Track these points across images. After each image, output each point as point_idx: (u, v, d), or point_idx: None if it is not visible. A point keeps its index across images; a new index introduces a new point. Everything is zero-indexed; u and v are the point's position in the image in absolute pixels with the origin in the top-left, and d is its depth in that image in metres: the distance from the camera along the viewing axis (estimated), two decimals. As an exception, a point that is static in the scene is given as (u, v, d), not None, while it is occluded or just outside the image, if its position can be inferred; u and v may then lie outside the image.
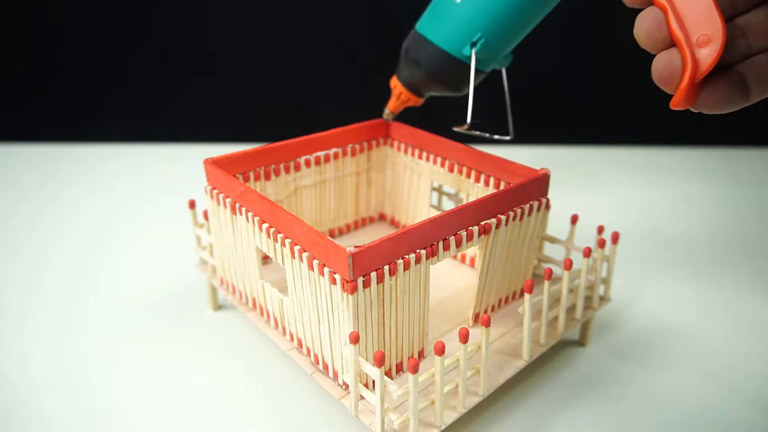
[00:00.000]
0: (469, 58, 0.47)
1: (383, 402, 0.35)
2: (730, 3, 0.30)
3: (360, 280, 0.35)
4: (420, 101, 0.55)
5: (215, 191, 0.47)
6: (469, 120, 0.49)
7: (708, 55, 0.28)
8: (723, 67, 0.29)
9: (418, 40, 0.50)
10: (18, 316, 0.55)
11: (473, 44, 0.47)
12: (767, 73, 0.30)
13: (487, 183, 0.51)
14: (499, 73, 0.53)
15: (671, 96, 0.30)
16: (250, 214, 0.43)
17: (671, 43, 0.29)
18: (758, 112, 0.94)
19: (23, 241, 0.69)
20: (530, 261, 0.49)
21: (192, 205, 0.54)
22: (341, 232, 0.62)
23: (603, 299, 0.50)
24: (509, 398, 0.45)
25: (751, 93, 0.30)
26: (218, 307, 0.57)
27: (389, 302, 0.38)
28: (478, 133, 0.51)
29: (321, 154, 0.56)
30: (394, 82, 0.55)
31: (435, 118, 1.04)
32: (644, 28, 0.30)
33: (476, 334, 0.45)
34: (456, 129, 0.51)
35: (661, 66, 0.29)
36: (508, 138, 0.52)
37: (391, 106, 0.56)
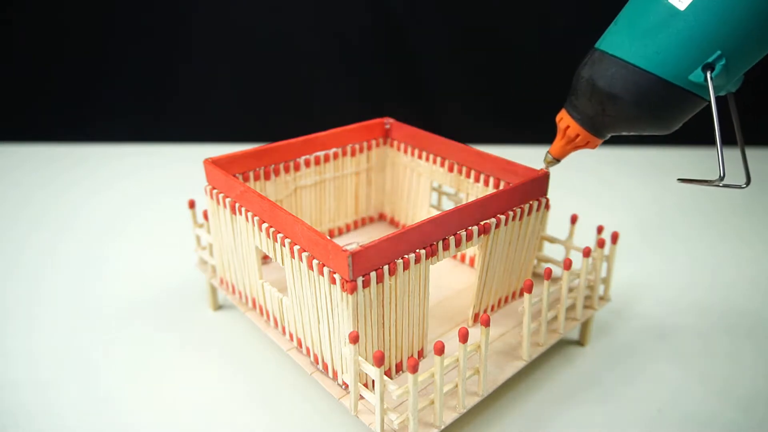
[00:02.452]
0: (699, 86, 0.35)
1: (383, 402, 0.35)
2: None
3: (360, 279, 0.35)
4: (597, 144, 0.43)
5: (215, 191, 0.47)
6: (721, 172, 0.37)
7: None
8: None
9: (611, 66, 0.37)
10: (19, 317, 0.55)
11: (707, 67, 0.34)
12: None
13: (486, 183, 0.51)
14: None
15: None
16: (249, 214, 0.43)
17: None
18: (758, 112, 0.94)
19: (23, 242, 0.69)
20: (530, 261, 0.49)
21: (192, 205, 0.54)
22: (341, 232, 0.62)
23: (603, 299, 0.50)
24: (509, 398, 0.45)
25: None
26: (218, 307, 0.57)
27: (389, 302, 0.38)
28: (706, 183, 0.40)
29: (321, 154, 0.56)
30: (567, 121, 0.42)
31: (435, 118, 1.04)
32: None
33: (476, 333, 0.45)
34: (681, 179, 0.41)
35: None
36: (743, 185, 0.40)
37: (557, 151, 0.44)
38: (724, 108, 0.38)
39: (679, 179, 0.41)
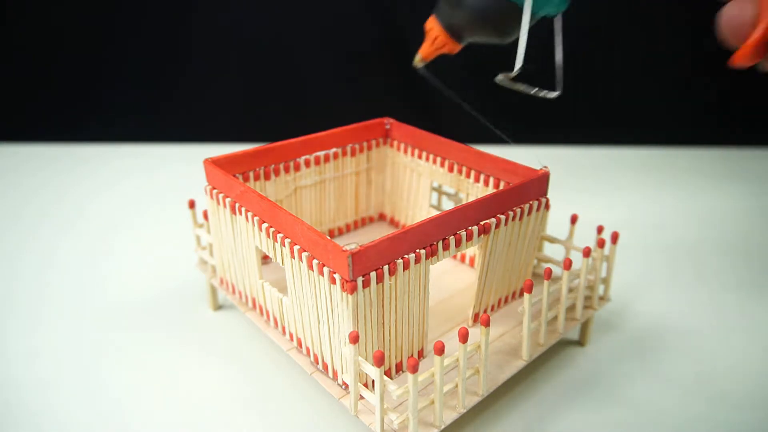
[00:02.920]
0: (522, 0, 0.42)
1: (383, 402, 0.35)
2: None
3: (360, 279, 0.35)
4: (457, 48, 0.49)
5: (215, 191, 0.47)
6: (517, 66, 0.43)
7: None
8: None
9: None
10: (19, 316, 0.55)
11: None
12: None
13: (486, 183, 0.51)
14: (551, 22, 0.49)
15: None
16: (249, 214, 0.43)
17: None
18: (758, 112, 0.94)
19: (23, 242, 0.69)
20: (530, 261, 0.49)
21: (192, 205, 0.54)
22: (341, 232, 0.62)
23: (603, 299, 0.50)
24: (509, 398, 0.45)
25: None
26: (218, 307, 0.57)
27: (389, 302, 0.38)
28: (522, 87, 0.46)
29: (321, 153, 0.56)
30: (431, 23, 0.49)
31: (435, 118, 1.04)
32: None
33: (476, 333, 0.45)
34: (499, 80, 0.46)
35: (730, 16, 0.26)
36: (555, 94, 0.46)
37: (425, 52, 0.50)
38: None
39: (496, 79, 0.47)
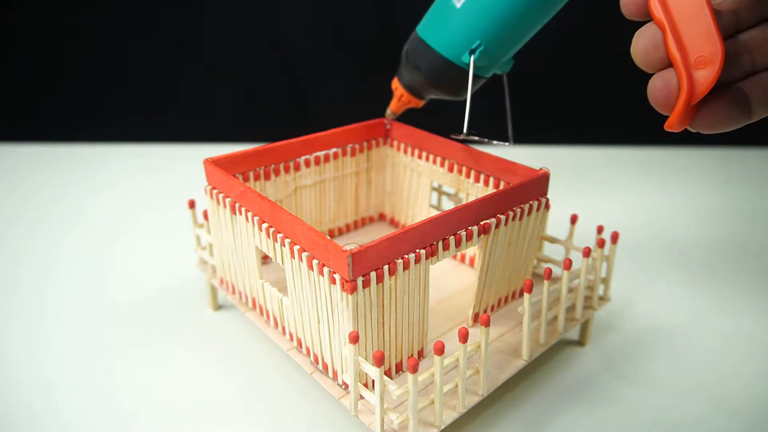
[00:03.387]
0: (468, 65, 0.47)
1: (383, 402, 0.35)
2: (734, 18, 0.28)
3: (360, 279, 0.35)
4: (421, 103, 0.55)
5: (215, 191, 0.47)
6: (465, 128, 0.49)
7: (705, 77, 0.27)
8: (724, 84, 0.28)
9: (418, 44, 0.49)
10: (19, 316, 0.55)
11: (472, 51, 0.46)
12: None
13: (486, 183, 0.51)
14: (501, 76, 0.53)
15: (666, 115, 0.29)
16: (249, 214, 0.43)
17: (668, 63, 0.28)
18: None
19: (23, 242, 0.69)
20: (530, 261, 0.49)
21: (192, 205, 0.54)
22: (341, 232, 0.62)
23: (602, 299, 0.50)
24: (509, 398, 0.45)
25: (754, 111, 0.29)
26: (218, 307, 0.57)
27: (389, 302, 0.38)
28: (476, 138, 0.50)
29: (321, 154, 0.56)
30: (396, 84, 0.55)
31: (435, 118, 1.04)
32: (641, 47, 0.28)
33: (476, 333, 0.45)
34: (453, 137, 0.51)
35: (657, 87, 0.28)
36: (507, 144, 0.52)
37: (393, 107, 0.56)
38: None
39: (452, 135, 0.52)
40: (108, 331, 0.53)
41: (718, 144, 1.02)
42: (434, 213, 0.52)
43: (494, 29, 0.45)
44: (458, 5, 0.46)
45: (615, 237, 0.49)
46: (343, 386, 0.40)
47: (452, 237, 0.40)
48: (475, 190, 0.52)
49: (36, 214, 0.76)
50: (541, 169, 0.46)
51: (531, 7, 0.44)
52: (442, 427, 0.37)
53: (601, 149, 1.03)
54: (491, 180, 0.51)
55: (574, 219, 0.53)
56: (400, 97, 0.55)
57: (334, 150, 0.57)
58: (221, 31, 0.99)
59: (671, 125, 0.28)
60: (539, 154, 1.00)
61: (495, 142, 0.52)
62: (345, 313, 0.36)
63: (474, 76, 0.48)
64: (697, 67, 0.27)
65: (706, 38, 0.27)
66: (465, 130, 0.49)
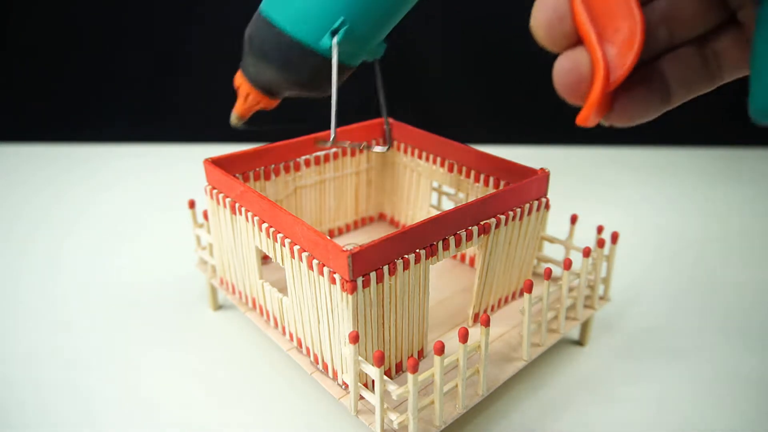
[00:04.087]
0: (330, 50, 0.37)
1: (383, 402, 0.35)
2: None
3: (359, 280, 0.35)
4: (273, 104, 0.44)
5: (215, 191, 0.47)
6: (333, 134, 0.39)
7: (622, 56, 0.22)
8: (638, 66, 0.23)
9: (263, 26, 0.38)
10: (19, 316, 0.55)
11: (333, 32, 0.36)
12: (695, 69, 0.24)
13: (486, 183, 0.51)
14: (371, 63, 0.43)
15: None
16: (249, 214, 0.43)
17: (577, 39, 0.22)
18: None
19: (23, 242, 0.69)
20: (530, 261, 0.49)
21: (192, 205, 0.54)
22: (341, 232, 0.62)
23: (603, 299, 0.50)
24: (509, 398, 0.45)
25: (673, 95, 0.24)
26: (218, 307, 0.57)
27: (389, 302, 0.38)
28: (348, 144, 0.44)
29: (321, 154, 0.56)
30: (239, 80, 0.43)
31: (435, 118, 1.04)
32: (543, 19, 0.22)
33: (476, 333, 0.45)
34: (319, 144, 0.42)
35: (565, 70, 0.23)
36: (385, 149, 0.44)
37: (238, 110, 0.44)
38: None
39: (316, 142, 0.42)
40: (108, 330, 0.53)
41: (718, 144, 1.02)
42: (434, 213, 0.52)
43: (361, 1, 0.35)
44: None
45: (615, 237, 0.49)
46: (343, 386, 0.40)
47: (452, 237, 0.40)
48: (475, 190, 0.52)
49: (35, 214, 0.76)
50: (541, 169, 0.46)
51: None
52: (443, 427, 0.37)
53: (601, 149, 1.03)
54: (491, 180, 0.50)
55: (574, 219, 0.53)
56: (246, 97, 0.43)
57: (334, 150, 0.57)
58: (221, 31, 0.99)
59: (585, 119, 0.23)
60: (539, 154, 1.00)
61: (373, 148, 0.44)
62: (345, 313, 0.36)
63: (339, 64, 0.38)
64: (612, 43, 0.22)
65: (621, 7, 0.22)
66: (332, 137, 0.39)
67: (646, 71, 0.24)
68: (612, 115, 0.24)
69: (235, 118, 0.44)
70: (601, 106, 0.23)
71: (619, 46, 0.22)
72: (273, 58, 0.38)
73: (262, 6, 0.39)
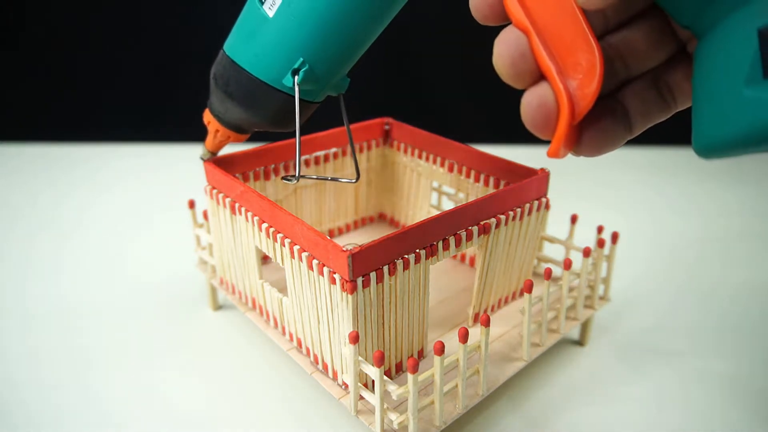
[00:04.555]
0: (292, 89, 0.38)
1: (383, 402, 0.35)
2: (602, 18, 0.24)
3: (359, 280, 0.35)
4: (244, 138, 0.45)
5: (215, 191, 0.47)
6: (298, 171, 0.40)
7: (584, 88, 0.22)
8: (601, 98, 0.24)
9: (228, 66, 0.39)
10: (19, 316, 0.55)
11: (295, 72, 0.37)
12: (652, 102, 0.25)
13: (486, 183, 0.51)
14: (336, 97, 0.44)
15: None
16: (249, 214, 0.43)
17: (539, 75, 0.23)
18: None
19: (22, 243, 0.69)
20: (530, 261, 0.49)
21: (192, 205, 0.54)
22: (341, 232, 0.62)
23: (603, 299, 0.50)
24: (509, 398, 0.45)
25: (634, 126, 0.25)
26: (218, 307, 0.57)
27: (389, 302, 0.38)
28: (315, 178, 0.45)
29: (321, 154, 0.56)
30: (208, 117, 0.44)
31: (435, 119, 1.04)
32: (506, 57, 0.23)
33: (476, 333, 0.45)
34: (285, 180, 0.42)
35: (533, 107, 0.23)
36: (353, 181, 0.46)
37: (209, 145, 0.46)
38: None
39: (283, 179, 0.42)
40: (108, 330, 0.53)
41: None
42: (434, 213, 0.52)
43: (319, 42, 0.36)
44: (270, 14, 0.36)
45: (615, 237, 0.49)
46: (343, 386, 0.40)
47: (452, 237, 0.40)
48: (475, 190, 0.52)
49: (35, 214, 0.76)
50: (541, 169, 0.46)
51: (361, 11, 0.35)
52: (443, 427, 0.37)
53: (601, 149, 1.03)
54: (491, 180, 0.50)
55: (574, 219, 0.53)
56: (215, 133, 0.44)
57: (334, 150, 0.57)
58: (221, 31, 0.99)
59: (556, 152, 0.23)
60: (539, 154, 0.99)
61: (343, 180, 0.46)
62: (345, 313, 0.36)
63: (301, 101, 0.39)
64: (574, 77, 0.22)
65: (578, 42, 0.22)
66: (297, 173, 0.40)
67: (608, 103, 0.25)
68: (581, 147, 0.25)
69: (205, 152, 0.47)
70: (569, 138, 0.23)
71: (580, 79, 0.22)
72: (238, 96, 0.39)
73: (226, 46, 0.40)
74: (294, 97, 0.38)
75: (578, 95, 0.22)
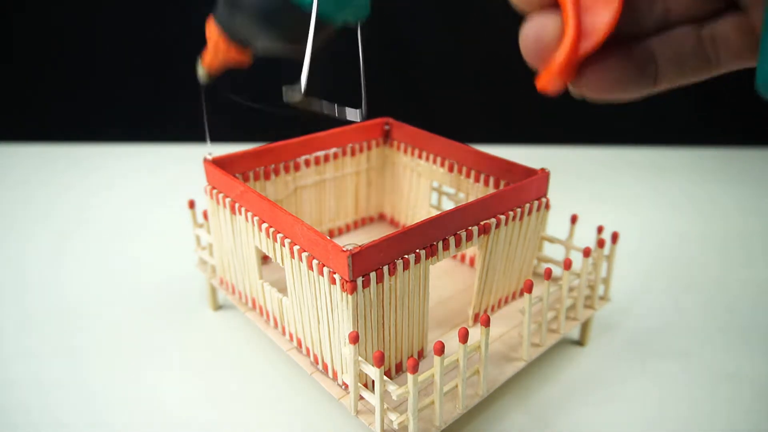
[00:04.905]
0: (310, 4, 0.35)
1: (383, 402, 0.35)
2: None
3: (359, 280, 0.35)
4: (245, 58, 0.41)
5: (215, 191, 0.47)
6: (303, 86, 0.37)
7: (599, 21, 0.19)
8: (626, 39, 0.21)
9: None
10: (18, 316, 0.55)
11: None
12: (689, 50, 0.21)
13: (486, 183, 0.51)
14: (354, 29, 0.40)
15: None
16: (249, 214, 0.43)
17: (553, 2, 0.21)
18: (758, 111, 0.94)
19: (22, 243, 0.69)
20: (530, 261, 0.49)
21: (192, 205, 0.54)
22: (341, 232, 0.62)
23: (603, 299, 0.50)
24: (509, 398, 0.45)
25: (662, 76, 0.22)
26: (218, 307, 0.57)
27: (389, 302, 0.38)
28: (317, 106, 0.40)
29: (320, 153, 0.56)
30: (210, 29, 0.41)
31: (435, 118, 1.04)
32: None
33: (476, 333, 0.45)
34: (288, 97, 0.39)
35: (531, 32, 0.21)
36: (358, 120, 0.41)
37: (207, 62, 0.42)
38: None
39: (285, 100, 0.39)
40: (107, 330, 0.53)
41: (718, 144, 1.02)
42: (434, 213, 0.52)
43: None
44: None
45: (615, 237, 0.49)
46: (343, 386, 0.40)
47: (452, 237, 0.40)
48: (475, 190, 0.52)
49: (35, 214, 0.76)
50: (541, 169, 0.46)
51: None
52: (443, 427, 0.37)
53: (602, 149, 1.03)
54: (491, 180, 0.50)
55: (574, 219, 0.53)
56: (216, 46, 0.41)
57: (333, 150, 0.57)
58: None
59: (545, 83, 0.21)
60: (539, 154, 1.00)
61: (347, 115, 0.41)
62: (345, 313, 0.36)
63: (318, 20, 0.36)
64: (588, 8, 0.20)
65: None
66: (302, 88, 0.37)
67: (631, 45, 0.21)
68: (582, 82, 0.21)
69: (202, 73, 0.42)
70: (566, 71, 0.20)
71: (594, 12, 0.20)
72: (247, 6, 0.36)
73: None
74: (306, 7, 0.34)
75: (589, 27, 0.19)
